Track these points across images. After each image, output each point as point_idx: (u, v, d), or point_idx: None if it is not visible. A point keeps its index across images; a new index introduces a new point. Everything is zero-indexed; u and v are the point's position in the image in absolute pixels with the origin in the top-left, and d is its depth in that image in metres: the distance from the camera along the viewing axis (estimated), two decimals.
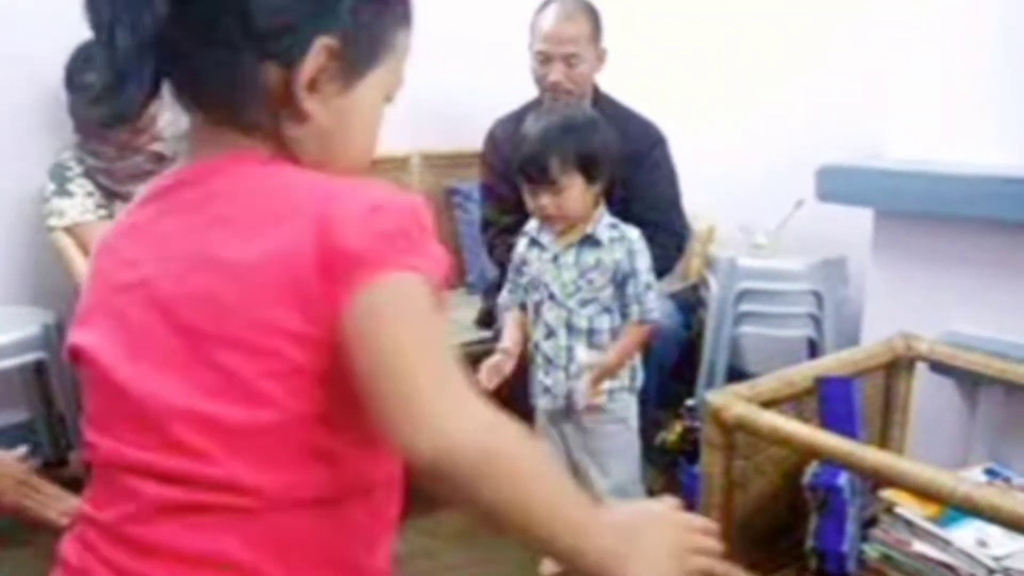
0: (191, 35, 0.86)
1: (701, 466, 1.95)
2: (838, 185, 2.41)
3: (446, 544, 2.63)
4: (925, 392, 2.29)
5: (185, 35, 0.85)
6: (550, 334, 2.34)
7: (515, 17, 3.11)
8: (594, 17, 2.82)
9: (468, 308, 3.13)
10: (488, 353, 2.86)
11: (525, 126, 2.31)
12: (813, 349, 2.90)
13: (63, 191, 2.72)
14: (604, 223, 2.30)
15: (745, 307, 2.85)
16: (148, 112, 2.75)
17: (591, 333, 2.30)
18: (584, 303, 2.30)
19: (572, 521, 0.86)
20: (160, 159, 2.75)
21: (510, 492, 0.82)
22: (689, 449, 2.38)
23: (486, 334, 2.93)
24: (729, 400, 1.86)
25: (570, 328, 2.31)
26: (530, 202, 2.30)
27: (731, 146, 3.24)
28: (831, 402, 1.98)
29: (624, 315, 2.31)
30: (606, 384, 2.31)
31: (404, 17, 0.95)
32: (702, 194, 2.98)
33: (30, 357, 2.72)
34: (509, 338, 2.42)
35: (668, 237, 2.68)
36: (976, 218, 2.22)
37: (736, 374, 2.88)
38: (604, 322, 2.31)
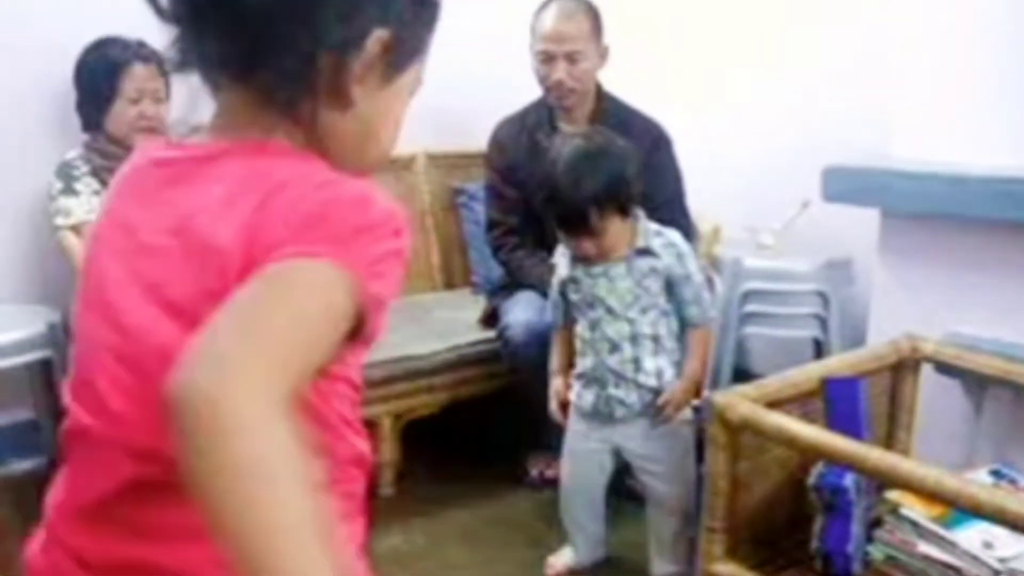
0: (260, 10, 0.85)
1: (706, 466, 1.95)
2: (844, 185, 2.40)
3: (450, 544, 2.63)
4: (930, 393, 2.29)
5: (253, 9, 0.85)
6: (614, 348, 2.31)
7: (519, 16, 3.11)
8: (594, 14, 2.82)
9: (473, 308, 3.13)
10: (493, 353, 2.88)
11: (550, 172, 2.25)
12: (818, 350, 2.90)
13: (70, 190, 2.72)
14: (651, 231, 2.29)
15: (751, 307, 2.84)
16: (157, 111, 2.75)
17: (656, 339, 2.30)
18: (645, 311, 2.28)
19: (289, 562, 0.65)
20: None
21: (230, 478, 0.65)
22: (696, 449, 2.38)
23: (490, 334, 2.93)
24: (735, 400, 1.86)
25: (634, 339, 2.29)
26: (566, 242, 2.30)
27: (736, 145, 3.23)
28: (837, 403, 1.98)
29: (681, 319, 2.32)
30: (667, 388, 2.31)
31: (435, 19, 0.97)
32: (707, 194, 2.98)
33: (36, 355, 2.71)
34: (559, 362, 2.47)
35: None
36: (983, 219, 2.21)
37: (741, 374, 2.87)
38: (664, 327, 2.30)
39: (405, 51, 0.92)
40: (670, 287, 2.29)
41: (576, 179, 2.20)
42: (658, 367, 2.30)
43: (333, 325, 0.78)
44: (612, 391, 2.33)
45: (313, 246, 0.78)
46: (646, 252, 2.27)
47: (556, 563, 2.51)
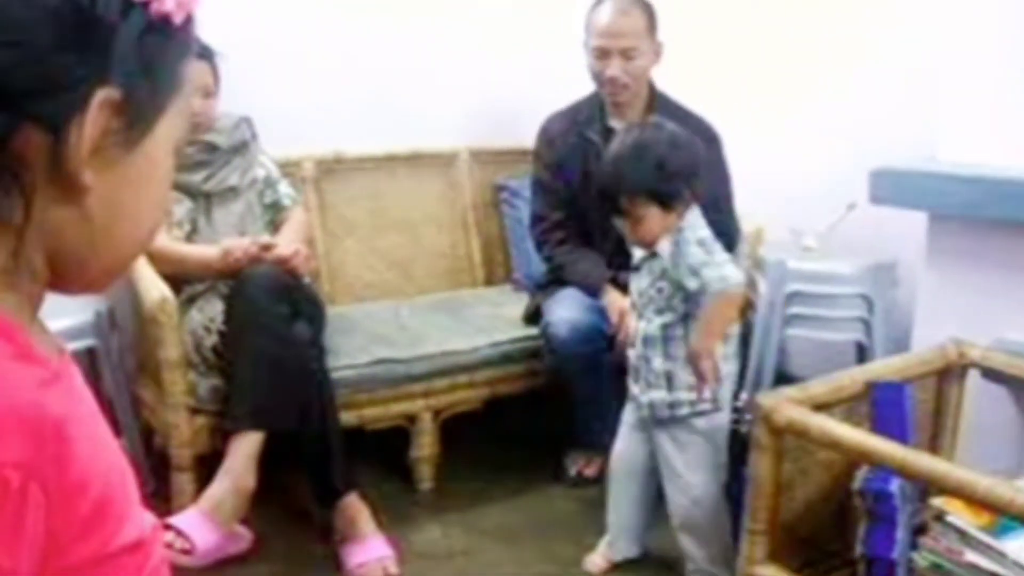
0: None
1: (749, 468, 1.94)
2: (892, 188, 2.38)
3: (489, 541, 2.63)
4: (977, 399, 2.27)
5: None
6: (633, 343, 2.35)
7: (564, 13, 3.11)
8: (649, 11, 2.82)
9: (515, 305, 3.13)
10: (534, 350, 2.88)
11: (608, 149, 2.33)
12: (862, 354, 2.87)
13: None
14: (672, 234, 2.25)
15: (794, 310, 2.83)
16: (206, 106, 2.78)
17: (666, 342, 2.27)
18: (660, 312, 2.27)
19: None
20: (213, 149, 2.78)
21: None
22: (736, 451, 2.36)
23: (531, 331, 2.93)
24: (780, 403, 1.85)
25: (645, 339, 2.29)
26: (621, 227, 2.32)
27: (782, 147, 3.21)
28: (882, 407, 1.96)
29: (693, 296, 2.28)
30: (684, 396, 2.27)
31: (187, 46, 0.75)
32: (752, 195, 2.96)
33: (81, 344, 2.75)
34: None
35: (719, 237, 2.66)
36: None
37: (782, 377, 2.85)
38: (679, 331, 2.27)
39: (150, 102, 0.70)
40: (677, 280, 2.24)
41: (613, 161, 2.24)
42: (667, 370, 2.27)
43: None
44: (630, 384, 2.37)
45: None
46: (656, 255, 2.26)
47: (597, 560, 2.51)
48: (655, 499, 2.46)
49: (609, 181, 2.24)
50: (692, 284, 2.20)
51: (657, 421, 2.31)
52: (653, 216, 2.21)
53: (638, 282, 2.32)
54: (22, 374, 0.63)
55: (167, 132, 0.72)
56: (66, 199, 0.67)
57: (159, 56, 0.70)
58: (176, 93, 0.73)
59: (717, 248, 2.24)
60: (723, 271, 2.20)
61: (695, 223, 2.25)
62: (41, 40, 0.63)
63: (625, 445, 2.44)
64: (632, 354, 2.34)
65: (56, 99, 0.64)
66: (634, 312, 2.35)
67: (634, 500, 2.47)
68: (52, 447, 0.62)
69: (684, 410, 2.28)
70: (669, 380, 2.28)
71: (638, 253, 2.32)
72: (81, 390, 0.69)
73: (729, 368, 2.35)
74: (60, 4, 0.64)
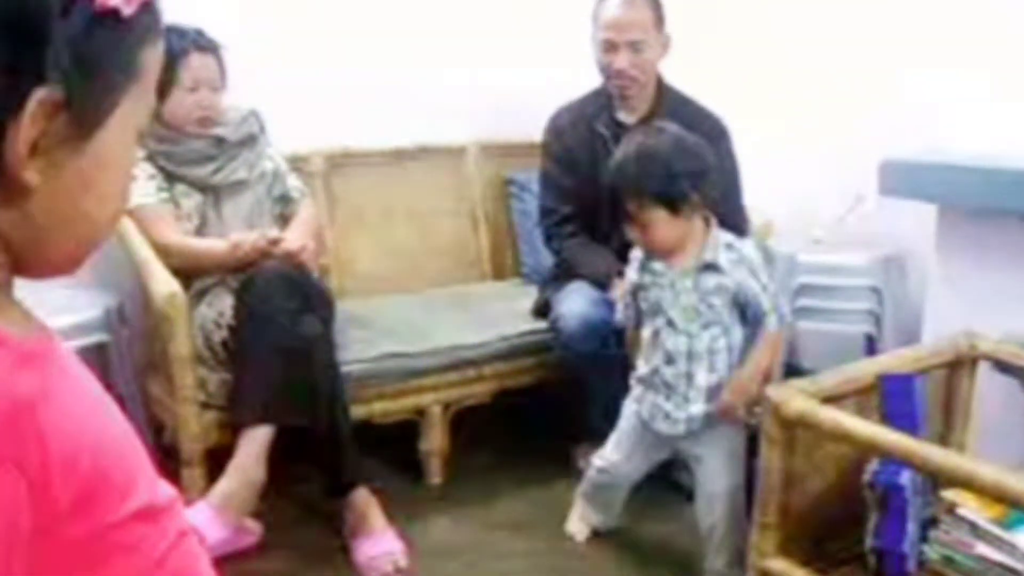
0: None
1: (760, 461, 1.94)
2: (901, 180, 2.38)
3: (499, 533, 2.63)
4: (987, 391, 2.26)
5: None
6: (670, 360, 2.29)
7: (572, 6, 3.10)
8: (656, 3, 2.81)
9: (524, 298, 3.13)
10: (543, 343, 2.88)
11: (613, 155, 2.31)
12: (871, 346, 2.87)
13: None
14: (721, 244, 2.24)
15: (803, 302, 2.82)
16: (213, 100, 2.78)
17: (712, 354, 2.26)
18: (707, 326, 2.25)
19: None
20: (221, 143, 2.78)
21: None
22: (748, 445, 2.36)
23: (540, 324, 2.93)
24: (790, 395, 1.85)
25: (690, 354, 2.26)
26: (630, 232, 2.29)
27: (791, 139, 3.20)
28: (893, 399, 1.96)
29: (752, 330, 2.29)
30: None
31: (150, 31, 0.71)
32: (761, 188, 2.95)
33: (92, 339, 2.75)
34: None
35: (729, 232, 2.66)
36: None
37: (791, 370, 2.85)
38: (722, 343, 2.26)
39: (100, 95, 0.68)
40: (740, 302, 2.25)
41: (619, 165, 2.24)
42: (710, 384, 2.26)
43: None
44: (661, 402, 2.31)
45: None
46: (713, 268, 2.23)
47: (580, 528, 2.58)
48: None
49: (616, 186, 2.24)
50: (772, 317, 2.24)
51: (690, 434, 2.30)
52: (661, 220, 2.20)
53: (678, 299, 2.25)
54: None
55: (124, 122, 0.70)
56: (11, 199, 0.65)
57: (109, 50, 0.67)
58: (134, 82, 0.70)
59: (769, 281, 2.27)
60: (783, 308, 2.27)
61: (753, 249, 2.28)
62: None
63: (627, 459, 2.44)
64: (669, 372, 2.29)
65: None
66: (669, 329, 2.28)
67: (629, 477, 2.50)
68: (25, 426, 0.62)
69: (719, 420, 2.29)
70: (710, 394, 2.26)
71: (672, 270, 2.26)
72: (66, 364, 0.69)
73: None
74: None
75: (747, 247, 2.28)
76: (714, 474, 2.32)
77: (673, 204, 2.19)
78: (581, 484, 2.59)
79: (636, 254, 2.35)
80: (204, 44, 2.70)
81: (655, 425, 2.34)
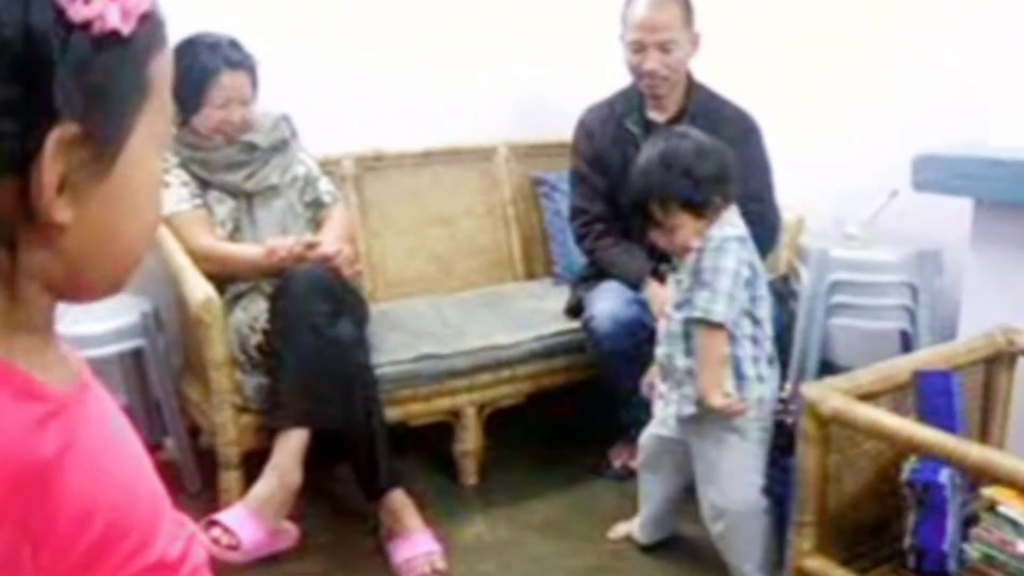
0: None
1: (796, 459, 1.93)
2: (936, 174, 2.35)
3: (534, 534, 2.64)
4: None
5: None
6: (660, 343, 2.35)
7: (600, 6, 3.10)
8: (685, 2, 2.80)
9: (556, 298, 3.13)
10: (577, 343, 2.88)
11: (638, 157, 2.30)
12: (906, 342, 2.84)
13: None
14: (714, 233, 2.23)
15: (837, 299, 2.80)
16: (243, 114, 2.78)
17: (686, 338, 2.25)
18: (678, 307, 2.27)
19: None
20: (253, 148, 2.80)
21: None
22: (782, 442, 2.35)
23: (574, 324, 2.93)
24: (826, 393, 1.84)
25: (670, 336, 2.29)
26: (653, 236, 2.31)
27: (823, 135, 3.18)
28: (930, 396, 1.94)
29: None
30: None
31: (154, 41, 0.69)
32: (793, 184, 2.94)
33: (129, 344, 2.78)
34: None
35: (762, 228, 2.64)
36: None
37: (826, 366, 2.83)
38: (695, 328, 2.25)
39: (117, 118, 0.67)
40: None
41: (643, 171, 2.24)
42: (690, 367, 2.25)
43: None
44: (658, 383, 2.36)
45: None
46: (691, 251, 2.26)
47: (619, 530, 2.61)
48: (684, 488, 2.48)
49: (640, 192, 2.24)
50: (693, 300, 2.21)
51: (688, 418, 2.29)
52: (686, 224, 2.21)
53: (679, 287, 2.29)
54: (15, 416, 0.62)
55: (144, 137, 0.69)
56: (45, 240, 0.65)
57: (116, 72, 0.66)
58: (146, 97, 0.69)
59: (722, 275, 2.19)
60: (712, 304, 2.17)
61: (726, 233, 2.22)
62: None
63: (652, 440, 2.46)
64: (659, 352, 2.34)
65: (11, 142, 0.61)
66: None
67: (661, 491, 2.50)
68: (40, 490, 0.62)
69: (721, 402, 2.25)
70: (692, 376, 2.25)
71: (680, 263, 2.31)
72: (96, 416, 0.69)
73: (770, 371, 2.31)
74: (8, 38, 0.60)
75: (720, 230, 2.21)
76: (715, 478, 2.30)
77: (697, 208, 2.20)
78: (640, 498, 2.57)
79: None
80: (236, 61, 2.71)
81: (656, 408, 2.39)
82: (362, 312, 2.75)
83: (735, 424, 2.24)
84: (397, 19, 3.37)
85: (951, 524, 1.87)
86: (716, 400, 2.18)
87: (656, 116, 2.86)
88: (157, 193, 0.73)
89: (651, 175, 2.22)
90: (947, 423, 1.85)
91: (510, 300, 3.26)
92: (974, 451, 1.60)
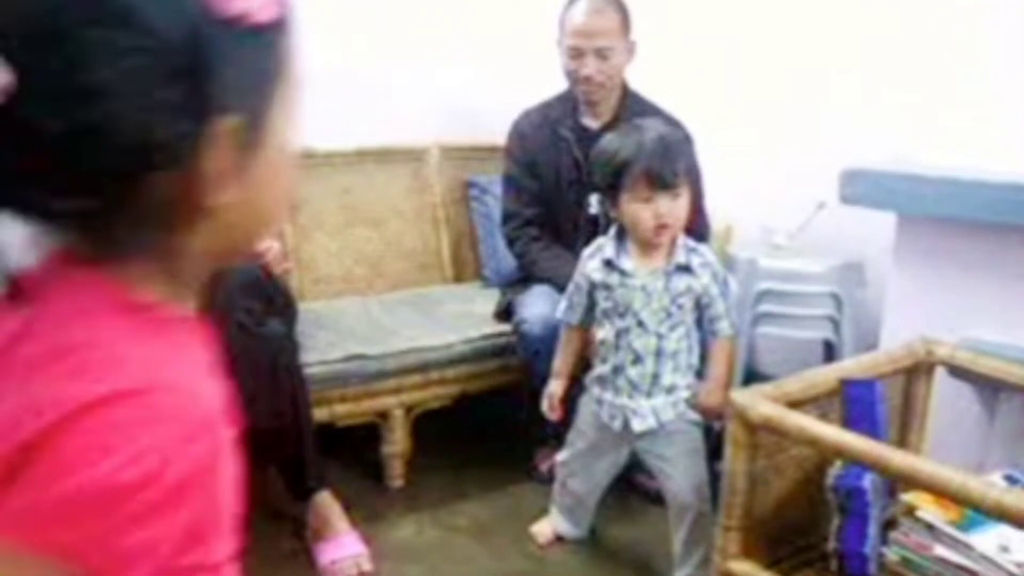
0: (40, 165, 0.64)
1: (724, 464, 1.96)
2: (862, 188, 2.41)
3: (461, 537, 2.64)
4: (944, 397, 2.30)
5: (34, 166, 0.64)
6: (637, 360, 2.32)
7: (534, 10, 3.12)
8: (623, 10, 2.83)
9: (485, 301, 3.14)
10: (505, 347, 2.89)
11: (617, 140, 2.30)
12: (829, 352, 2.90)
13: None
14: (687, 247, 2.30)
15: (764, 308, 2.85)
16: None
17: (676, 355, 2.31)
18: (674, 327, 2.29)
19: None
20: None
21: None
22: (710, 448, 2.39)
23: (503, 327, 2.94)
24: (755, 400, 1.87)
25: (659, 354, 2.30)
26: (642, 212, 2.24)
27: (753, 145, 3.23)
28: (855, 404, 1.99)
29: (708, 332, 2.36)
30: (683, 396, 2.34)
31: (287, 20, 0.75)
32: (722, 193, 2.99)
33: None
34: (563, 362, 2.47)
35: (692, 236, 2.68)
36: (1000, 225, 2.22)
37: (750, 375, 2.88)
38: (685, 343, 2.32)
39: (263, 105, 0.72)
40: (702, 304, 2.31)
41: (660, 137, 2.26)
42: (673, 383, 2.32)
43: None
44: (625, 401, 2.34)
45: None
46: (685, 269, 2.27)
47: (545, 531, 2.62)
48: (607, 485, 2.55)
49: (660, 157, 2.22)
50: (724, 323, 2.33)
51: (661, 427, 2.34)
52: (686, 198, 2.26)
53: (649, 301, 2.28)
54: (195, 365, 0.72)
55: (282, 112, 0.74)
56: (209, 217, 0.70)
57: (263, 60, 0.71)
58: (283, 76, 0.74)
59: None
60: (734, 315, 2.35)
61: (714, 257, 2.35)
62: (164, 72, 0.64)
63: (594, 458, 2.48)
64: (634, 372, 2.32)
65: (181, 141, 0.65)
66: (639, 329, 2.30)
67: (589, 485, 2.54)
68: (212, 439, 0.69)
69: (682, 408, 2.34)
70: (670, 389, 2.32)
71: (643, 271, 2.28)
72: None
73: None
74: (183, 37, 0.64)
75: (708, 252, 2.34)
76: (682, 473, 2.35)
77: (693, 185, 2.31)
78: (554, 491, 2.61)
79: (607, 252, 2.34)
80: None
81: (615, 425, 2.37)
82: (291, 310, 2.71)
83: (693, 418, 2.34)
84: (331, 17, 3.34)
85: (872, 528, 1.91)
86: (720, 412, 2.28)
87: (590, 122, 2.89)
88: (291, 159, 0.78)
89: (668, 139, 2.26)
90: (871, 430, 1.90)
91: (439, 302, 3.25)
92: (897, 457, 1.64)
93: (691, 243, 2.32)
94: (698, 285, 2.28)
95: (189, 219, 0.70)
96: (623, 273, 2.30)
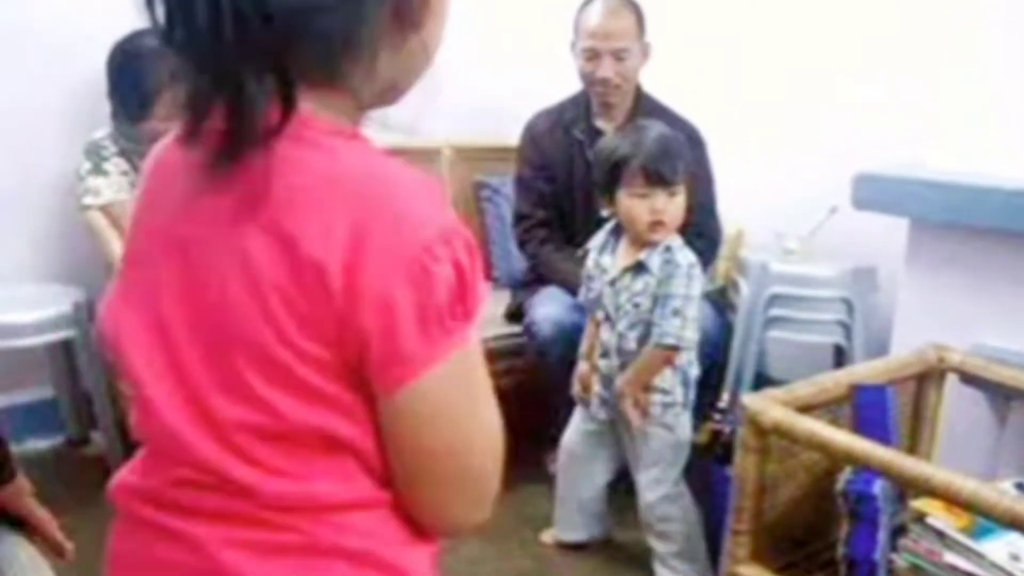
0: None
1: (734, 469, 1.96)
2: (874, 193, 2.40)
3: (469, 537, 2.62)
4: (955, 404, 2.29)
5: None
6: (605, 354, 2.37)
7: (549, 11, 3.12)
8: (638, 12, 2.83)
9: (496, 302, 3.13)
10: (516, 348, 2.89)
11: (617, 138, 2.33)
12: (839, 357, 2.90)
13: (99, 170, 2.73)
14: (661, 247, 2.28)
15: (775, 312, 2.85)
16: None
17: (637, 355, 2.31)
18: (632, 326, 2.30)
19: None
20: None
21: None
22: (719, 452, 2.39)
23: (513, 328, 2.94)
24: (766, 404, 1.87)
25: (619, 351, 2.33)
26: (638, 207, 2.26)
27: (766, 150, 3.23)
28: (865, 409, 1.98)
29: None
30: (657, 398, 2.31)
31: None
32: (735, 197, 2.98)
33: (59, 335, 2.73)
34: (587, 343, 2.47)
35: (703, 241, 2.68)
36: (1013, 231, 2.21)
37: (760, 379, 2.87)
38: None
39: None
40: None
41: (660, 135, 2.28)
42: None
43: (489, 387, 0.89)
44: (602, 391, 2.38)
45: (432, 345, 0.80)
46: (644, 268, 2.28)
47: (550, 533, 2.65)
48: (608, 491, 2.56)
49: (663, 151, 2.24)
50: (655, 329, 2.26)
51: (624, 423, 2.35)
52: (682, 196, 2.26)
53: (614, 297, 2.32)
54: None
55: None
56: (399, 44, 0.84)
57: None
58: None
59: (693, 303, 2.26)
60: (684, 331, 2.25)
61: (690, 262, 2.28)
62: None
63: (580, 446, 2.51)
64: (603, 364, 2.37)
65: None
66: (607, 324, 2.35)
67: (589, 485, 2.54)
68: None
69: (654, 415, 2.33)
70: (644, 390, 2.32)
71: (614, 268, 2.33)
72: None
73: (694, 372, 2.38)
74: None
75: (683, 255, 2.29)
76: (646, 480, 2.38)
77: (690, 185, 2.28)
78: (557, 490, 2.61)
79: (594, 244, 2.39)
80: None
81: (593, 411, 2.42)
82: None
83: (669, 423, 2.34)
84: None
85: (882, 534, 1.90)
86: (630, 403, 2.30)
87: (603, 124, 2.89)
88: (444, 29, 0.90)
89: (669, 138, 2.28)
90: (881, 436, 1.89)
91: None
92: (908, 464, 1.64)
93: (674, 243, 2.30)
94: (653, 283, 2.27)
95: (389, 39, 0.82)
96: (601, 268, 2.36)
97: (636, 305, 2.30)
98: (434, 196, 0.83)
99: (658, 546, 2.41)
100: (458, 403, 0.84)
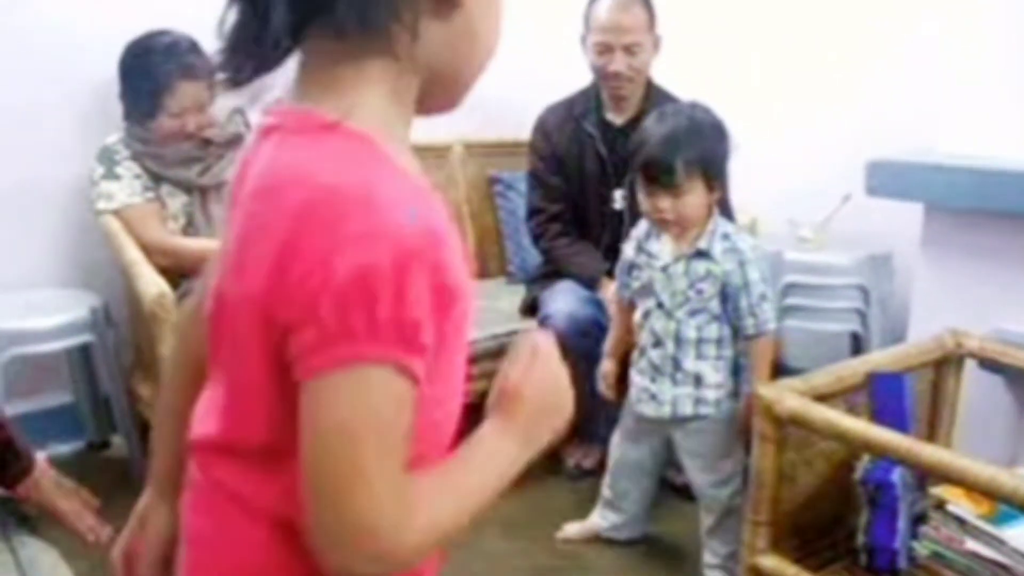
0: None
1: (752, 459, 1.95)
2: (888, 180, 2.40)
3: (488, 534, 2.63)
4: (974, 389, 2.28)
5: None
6: (657, 343, 2.31)
7: (558, 5, 3.11)
8: (648, 4, 2.82)
9: (511, 297, 3.14)
10: None
11: (646, 126, 2.29)
12: (856, 344, 2.89)
13: (111, 174, 2.74)
14: (718, 234, 2.25)
15: (790, 301, 2.84)
16: (199, 121, 2.72)
17: (699, 343, 2.27)
18: (693, 313, 2.26)
19: (494, 476, 0.91)
20: (207, 143, 2.77)
21: (453, 529, 0.85)
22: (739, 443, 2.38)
23: (528, 323, 2.93)
24: (783, 394, 1.86)
25: (677, 339, 2.28)
26: (645, 203, 2.26)
27: (779, 139, 3.22)
28: (882, 397, 1.97)
29: (735, 327, 2.27)
30: (711, 394, 2.29)
31: None
32: (748, 186, 2.97)
33: (77, 340, 2.74)
34: (613, 340, 2.47)
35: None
36: None
37: (778, 368, 2.86)
38: (712, 332, 2.27)
39: None
40: (726, 293, 2.24)
41: (669, 130, 2.23)
42: (698, 371, 2.28)
43: (408, 412, 0.78)
44: (647, 384, 2.33)
45: (349, 345, 0.73)
46: (705, 255, 2.24)
47: (570, 529, 2.62)
48: (655, 492, 2.53)
49: (663, 151, 2.20)
50: (748, 321, 2.24)
51: (677, 419, 2.32)
52: (698, 191, 2.21)
53: (668, 283, 2.27)
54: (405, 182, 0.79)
55: None
56: (442, 15, 0.79)
57: None
58: None
59: (768, 285, 2.28)
60: (772, 312, 2.26)
61: (751, 244, 2.27)
62: None
63: (632, 448, 2.47)
64: (655, 354, 2.31)
65: None
66: (659, 312, 2.30)
67: (640, 496, 2.52)
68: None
69: (708, 409, 2.29)
70: (698, 380, 2.28)
71: (666, 254, 2.28)
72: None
73: (742, 360, 2.34)
74: None
75: (744, 240, 2.27)
76: (704, 469, 2.34)
77: (711, 179, 2.22)
78: (602, 484, 2.60)
79: (638, 232, 2.36)
80: (193, 69, 2.66)
81: (640, 408, 2.36)
82: None
83: (720, 416, 2.30)
84: None
85: (902, 522, 1.90)
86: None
87: (614, 118, 2.88)
88: (501, 18, 0.87)
89: (678, 134, 2.22)
90: (899, 423, 1.88)
91: None
92: (927, 451, 1.63)
93: (729, 229, 2.28)
94: (719, 271, 2.23)
95: (429, 15, 0.79)
96: (649, 254, 2.31)
97: (699, 292, 2.25)
98: (390, 210, 0.75)
99: (718, 547, 2.37)
100: (347, 424, 0.76)
